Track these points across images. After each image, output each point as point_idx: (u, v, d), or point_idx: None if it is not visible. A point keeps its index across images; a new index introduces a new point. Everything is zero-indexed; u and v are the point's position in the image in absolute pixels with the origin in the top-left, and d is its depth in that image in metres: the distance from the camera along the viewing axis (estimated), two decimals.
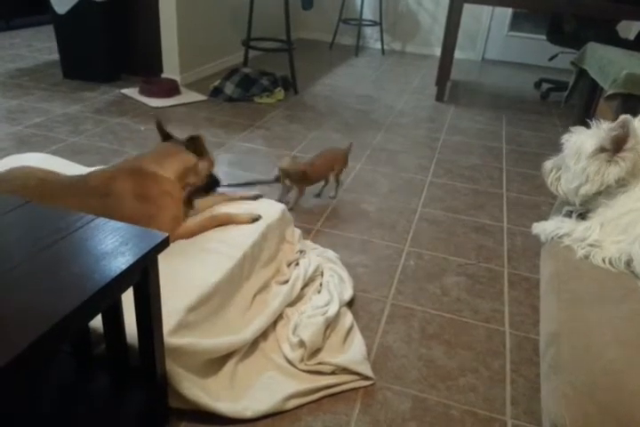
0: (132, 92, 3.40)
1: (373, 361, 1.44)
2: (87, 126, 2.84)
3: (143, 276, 0.97)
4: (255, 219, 1.58)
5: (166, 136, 1.59)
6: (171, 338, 1.17)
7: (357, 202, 2.29)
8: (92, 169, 1.80)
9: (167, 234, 0.98)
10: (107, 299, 0.92)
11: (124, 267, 0.88)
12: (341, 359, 1.38)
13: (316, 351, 1.40)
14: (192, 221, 1.50)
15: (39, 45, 4.38)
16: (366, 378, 1.37)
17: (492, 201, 2.40)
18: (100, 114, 3.04)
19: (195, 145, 1.54)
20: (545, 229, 1.24)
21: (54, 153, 2.35)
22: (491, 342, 1.56)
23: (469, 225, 2.17)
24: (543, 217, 2.31)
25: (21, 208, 1.04)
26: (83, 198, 1.34)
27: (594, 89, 2.97)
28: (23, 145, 2.54)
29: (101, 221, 1.01)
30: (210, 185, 1.62)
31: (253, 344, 1.42)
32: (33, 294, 0.80)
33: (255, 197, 1.73)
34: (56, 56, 3.65)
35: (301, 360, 1.38)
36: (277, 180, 2.20)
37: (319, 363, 1.37)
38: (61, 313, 0.77)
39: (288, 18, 3.52)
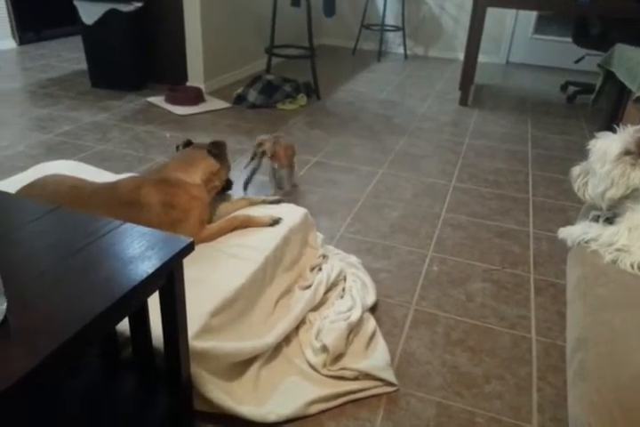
0: (157, 100, 3.47)
1: (397, 367, 1.43)
2: (114, 134, 2.90)
3: (169, 279, 0.99)
4: (275, 221, 1.59)
5: (188, 143, 1.64)
6: (195, 341, 1.19)
7: (380, 207, 2.29)
8: (121, 177, 1.84)
9: (192, 239, 1.00)
10: (133, 302, 0.94)
11: (150, 271, 0.90)
12: (364, 365, 1.37)
13: (339, 357, 1.40)
14: (213, 225, 1.52)
15: (68, 55, 4.50)
16: (389, 384, 1.37)
17: (517, 206, 2.37)
18: (127, 122, 3.10)
19: (217, 150, 1.58)
20: (572, 233, 1.22)
21: (82, 160, 2.41)
22: (517, 348, 1.53)
23: (494, 230, 2.15)
24: (570, 222, 2.27)
25: (53, 213, 1.07)
26: (111, 206, 1.37)
27: (621, 91, 2.92)
28: (53, 152, 2.61)
29: (129, 226, 1.04)
30: (225, 187, 1.69)
31: (276, 349, 1.43)
32: (62, 298, 0.83)
33: (277, 202, 1.75)
34: (84, 66, 3.74)
35: (324, 365, 1.38)
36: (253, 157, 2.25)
37: (342, 368, 1.37)
38: (89, 316, 0.78)
39: (310, 24, 3.55)
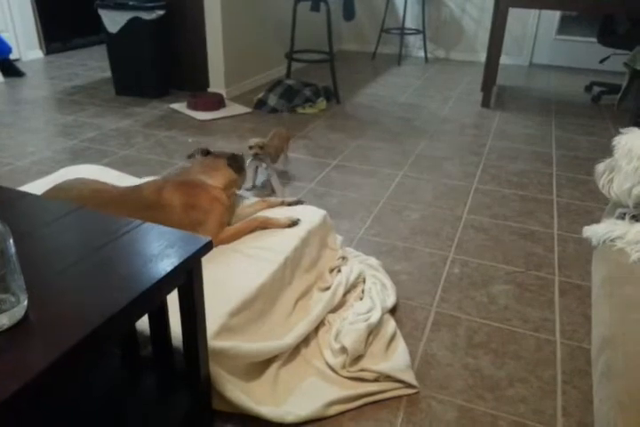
0: (180, 106, 3.51)
1: (417, 369, 1.41)
2: (137, 140, 2.95)
3: (188, 278, 1.00)
4: (294, 222, 1.59)
5: (205, 152, 1.66)
6: (214, 341, 1.19)
7: (400, 209, 2.27)
8: (144, 180, 1.87)
9: (210, 238, 1.00)
10: (153, 300, 0.95)
11: (169, 269, 0.91)
12: (384, 366, 1.36)
13: (358, 358, 1.39)
14: (231, 226, 1.53)
15: (93, 64, 4.60)
16: (410, 386, 1.35)
17: (541, 207, 2.33)
18: (150, 128, 3.15)
19: (236, 163, 1.60)
20: (596, 232, 1.20)
21: (107, 165, 2.45)
22: (541, 351, 1.50)
23: (518, 232, 2.11)
24: (596, 223, 2.23)
25: (75, 212, 1.09)
26: (134, 208, 1.39)
27: None
28: (78, 158, 2.66)
29: (148, 225, 1.05)
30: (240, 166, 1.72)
31: (295, 350, 1.43)
32: (83, 294, 0.84)
33: (297, 203, 1.75)
34: (109, 74, 3.82)
35: (343, 367, 1.37)
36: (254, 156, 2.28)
37: (361, 370, 1.36)
38: (109, 312, 0.79)
39: (330, 28, 3.56)
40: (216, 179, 1.55)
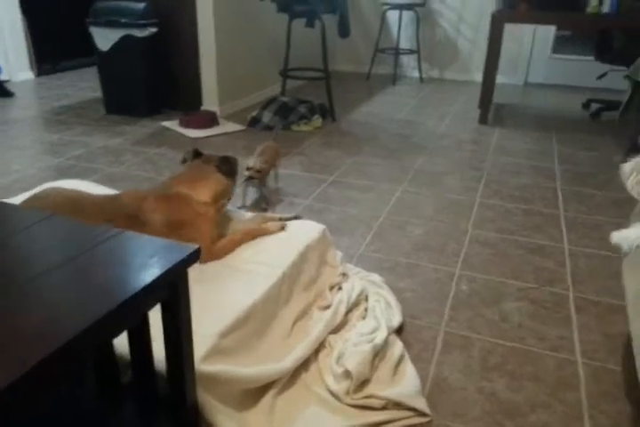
0: (171, 124, 3.43)
1: (428, 395, 1.28)
2: (126, 157, 2.85)
3: (172, 292, 0.88)
4: (284, 226, 1.50)
5: (197, 154, 1.55)
6: (203, 365, 1.06)
7: (401, 225, 2.16)
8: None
9: (197, 246, 0.89)
10: (131, 314, 0.83)
11: (149, 279, 0.79)
12: (393, 392, 1.23)
13: (364, 383, 1.26)
14: (222, 240, 1.42)
15: (83, 85, 4.53)
16: (422, 414, 1.22)
17: (547, 222, 2.23)
18: (140, 145, 3.05)
19: (227, 167, 1.50)
20: (627, 237, 1.09)
21: (92, 182, 2.34)
22: (561, 372, 1.37)
23: (525, 246, 2.01)
24: (606, 237, 2.12)
25: (48, 220, 0.97)
26: (112, 217, 1.28)
27: None
28: (63, 175, 2.55)
29: (128, 234, 0.93)
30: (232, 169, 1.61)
31: (294, 375, 1.30)
32: (54, 306, 0.73)
33: (294, 218, 1.64)
34: (99, 94, 3.74)
35: (347, 393, 1.24)
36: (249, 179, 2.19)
37: (367, 396, 1.23)
38: (82, 326, 0.68)
39: (325, 45, 3.52)
40: (202, 191, 1.43)
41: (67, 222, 0.98)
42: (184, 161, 1.57)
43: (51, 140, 3.10)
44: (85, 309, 0.72)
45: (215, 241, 1.40)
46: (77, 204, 1.28)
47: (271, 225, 1.50)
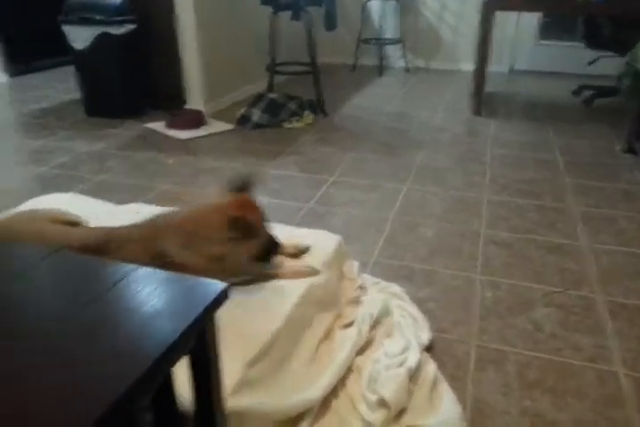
0: (157, 125, 3.27)
1: (470, 421, 1.19)
2: (113, 163, 2.70)
3: (200, 339, 0.76)
4: (315, 272, 1.33)
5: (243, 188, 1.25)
6: (232, 399, 0.95)
7: (412, 226, 2.06)
8: (122, 207, 1.63)
9: (227, 284, 0.78)
10: (153, 380, 0.72)
11: (173, 337, 0.67)
12: (433, 422, 1.13)
13: (401, 412, 1.16)
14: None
15: (60, 86, 4.32)
16: None
17: (561, 217, 2.15)
18: (126, 150, 2.89)
19: (238, 232, 1.17)
20: None
21: (81, 193, 2.19)
22: (604, 386, 1.29)
23: (544, 246, 1.93)
24: (622, 231, 2.06)
25: (50, 258, 0.85)
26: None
27: None
28: (49, 186, 2.39)
29: (144, 271, 0.81)
30: (268, 252, 1.29)
31: (324, 404, 1.19)
32: (53, 385, 0.60)
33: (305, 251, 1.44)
34: (78, 95, 3.56)
35: (385, 424, 1.14)
36: None
37: None
38: (93, 414, 0.55)
39: (311, 39, 3.38)
40: (198, 250, 1.15)
41: (72, 260, 0.86)
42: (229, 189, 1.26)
43: (31, 147, 2.92)
44: (111, 378, 0.60)
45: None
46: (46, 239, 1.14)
47: (299, 270, 1.34)
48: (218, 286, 0.78)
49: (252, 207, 1.22)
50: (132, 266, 0.82)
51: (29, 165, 2.67)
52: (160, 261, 1.13)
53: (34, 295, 0.76)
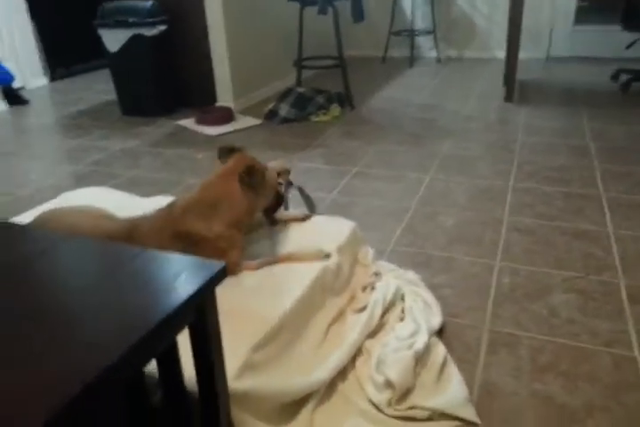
0: (187, 122, 3.37)
1: (477, 402, 1.19)
2: (145, 160, 2.80)
3: (199, 315, 0.81)
4: (326, 255, 1.36)
5: (231, 150, 1.37)
6: (236, 381, 0.99)
7: (433, 215, 2.06)
8: (150, 200, 1.71)
9: (224, 263, 0.82)
10: (162, 340, 0.77)
11: (177, 302, 0.72)
12: (438, 402, 1.15)
13: (407, 392, 1.18)
14: (252, 264, 1.31)
15: (98, 87, 4.50)
16: (471, 424, 1.13)
17: (588, 204, 2.10)
18: (157, 147, 3.00)
19: (251, 179, 1.28)
20: None
21: (113, 187, 2.29)
22: (619, 371, 1.27)
23: (568, 232, 1.89)
24: None
25: (66, 241, 0.91)
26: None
27: None
28: (82, 182, 2.50)
29: (152, 252, 0.87)
30: (276, 205, 1.44)
31: (331, 385, 1.22)
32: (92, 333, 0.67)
33: (304, 218, 1.52)
34: (115, 96, 3.70)
35: (390, 404, 1.16)
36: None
37: (411, 407, 1.15)
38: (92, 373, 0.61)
39: (338, 32, 3.40)
40: (214, 220, 1.23)
41: (88, 243, 0.92)
42: (221, 157, 1.38)
43: (69, 146, 3.06)
44: (120, 335, 0.67)
45: (237, 262, 1.28)
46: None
47: (309, 253, 1.37)
48: (216, 265, 0.82)
49: (252, 159, 1.33)
50: (140, 248, 0.88)
51: (64, 163, 2.80)
52: (188, 239, 1.21)
53: (54, 272, 0.82)
